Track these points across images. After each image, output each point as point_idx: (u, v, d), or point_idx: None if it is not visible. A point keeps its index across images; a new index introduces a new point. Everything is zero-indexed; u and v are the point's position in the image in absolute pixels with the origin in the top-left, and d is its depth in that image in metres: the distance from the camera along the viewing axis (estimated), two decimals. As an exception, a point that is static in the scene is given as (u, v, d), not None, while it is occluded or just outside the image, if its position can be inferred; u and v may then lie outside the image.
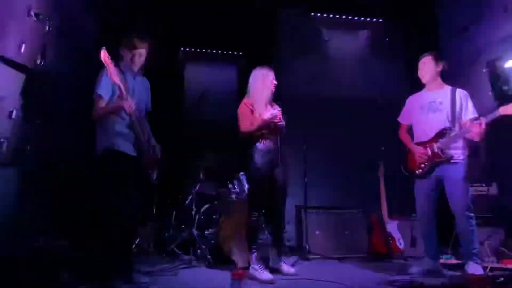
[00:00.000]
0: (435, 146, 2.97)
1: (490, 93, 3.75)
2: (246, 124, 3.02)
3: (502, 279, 2.13)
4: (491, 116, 2.76)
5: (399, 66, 5.43)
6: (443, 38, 4.87)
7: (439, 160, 2.95)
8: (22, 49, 2.47)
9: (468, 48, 4.45)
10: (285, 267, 2.99)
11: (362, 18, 5.62)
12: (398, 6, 5.33)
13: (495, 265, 3.07)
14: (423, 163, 3.03)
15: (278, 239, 3.13)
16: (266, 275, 2.79)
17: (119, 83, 2.32)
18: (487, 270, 2.88)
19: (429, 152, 3.00)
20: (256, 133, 2.98)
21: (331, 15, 5.55)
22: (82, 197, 3.64)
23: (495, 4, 4.10)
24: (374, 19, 5.62)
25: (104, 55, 2.24)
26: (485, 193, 3.63)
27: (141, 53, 2.60)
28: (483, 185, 3.67)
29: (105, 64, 2.26)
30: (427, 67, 3.11)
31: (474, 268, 2.76)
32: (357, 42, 5.52)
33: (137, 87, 2.63)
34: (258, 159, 3.01)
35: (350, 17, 5.60)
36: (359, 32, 5.52)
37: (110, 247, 2.43)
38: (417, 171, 3.08)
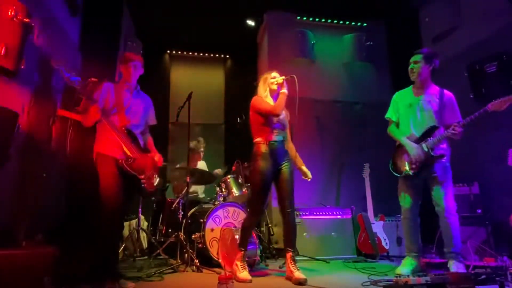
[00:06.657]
0: (424, 145, 2.98)
1: (471, 96, 3.84)
2: (267, 105, 3.00)
3: (484, 276, 2.18)
4: (479, 113, 2.78)
5: (382, 69, 5.54)
6: (426, 41, 4.98)
7: (432, 158, 2.94)
8: (2, 51, 2.41)
9: (449, 51, 4.56)
10: (297, 273, 2.71)
11: (347, 22, 5.71)
12: (381, 10, 5.43)
13: (478, 263, 3.14)
14: (415, 163, 2.99)
15: (289, 243, 2.95)
16: (244, 274, 2.77)
17: (74, 85, 2.43)
18: (470, 268, 2.94)
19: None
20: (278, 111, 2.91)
21: (316, 19, 5.62)
22: (69, 199, 3.59)
23: (476, 8, 4.21)
24: (359, 23, 5.72)
25: (53, 62, 2.39)
26: (467, 192, 3.72)
27: (136, 66, 2.80)
28: (465, 184, 3.75)
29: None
30: (417, 66, 3.08)
31: (457, 267, 2.81)
32: (342, 45, 5.59)
33: (135, 103, 2.80)
34: (261, 161, 2.89)
35: (335, 21, 5.69)
36: (344, 36, 5.59)
37: (96, 252, 2.45)
38: (410, 171, 3.02)
